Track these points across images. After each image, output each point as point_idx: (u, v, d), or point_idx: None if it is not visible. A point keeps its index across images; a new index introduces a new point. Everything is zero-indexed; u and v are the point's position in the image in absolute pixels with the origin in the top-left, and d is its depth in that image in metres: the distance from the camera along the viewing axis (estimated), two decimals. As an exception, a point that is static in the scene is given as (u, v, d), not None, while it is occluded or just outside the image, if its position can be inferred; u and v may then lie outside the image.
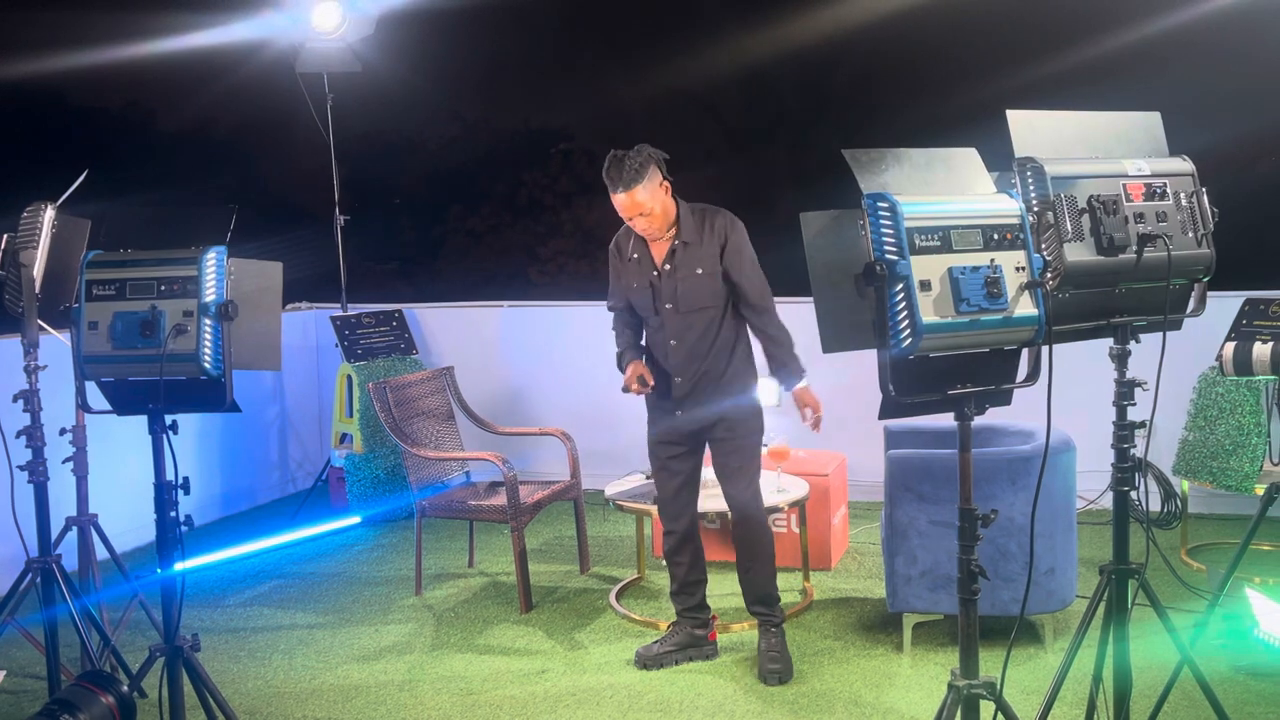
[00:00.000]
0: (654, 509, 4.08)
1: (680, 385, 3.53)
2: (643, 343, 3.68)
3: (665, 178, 3.43)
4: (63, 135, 15.82)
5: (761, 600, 3.60)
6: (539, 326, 6.37)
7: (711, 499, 3.80)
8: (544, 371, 6.22)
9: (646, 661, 3.63)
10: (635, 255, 3.56)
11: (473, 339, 6.36)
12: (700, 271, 3.46)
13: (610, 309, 3.72)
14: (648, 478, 4.45)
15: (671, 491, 3.66)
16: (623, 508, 4.19)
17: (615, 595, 4.36)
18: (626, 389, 3.55)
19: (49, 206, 3.18)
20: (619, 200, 3.38)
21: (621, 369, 3.61)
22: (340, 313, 6.17)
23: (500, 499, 4.34)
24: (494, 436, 4.92)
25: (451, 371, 5.04)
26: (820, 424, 3.61)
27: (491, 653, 3.83)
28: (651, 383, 3.53)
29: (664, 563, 4.72)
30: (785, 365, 3.52)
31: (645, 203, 3.36)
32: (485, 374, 6.15)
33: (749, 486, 3.56)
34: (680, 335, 3.50)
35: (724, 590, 4.16)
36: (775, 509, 4.17)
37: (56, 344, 3.24)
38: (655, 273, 3.51)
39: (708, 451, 3.65)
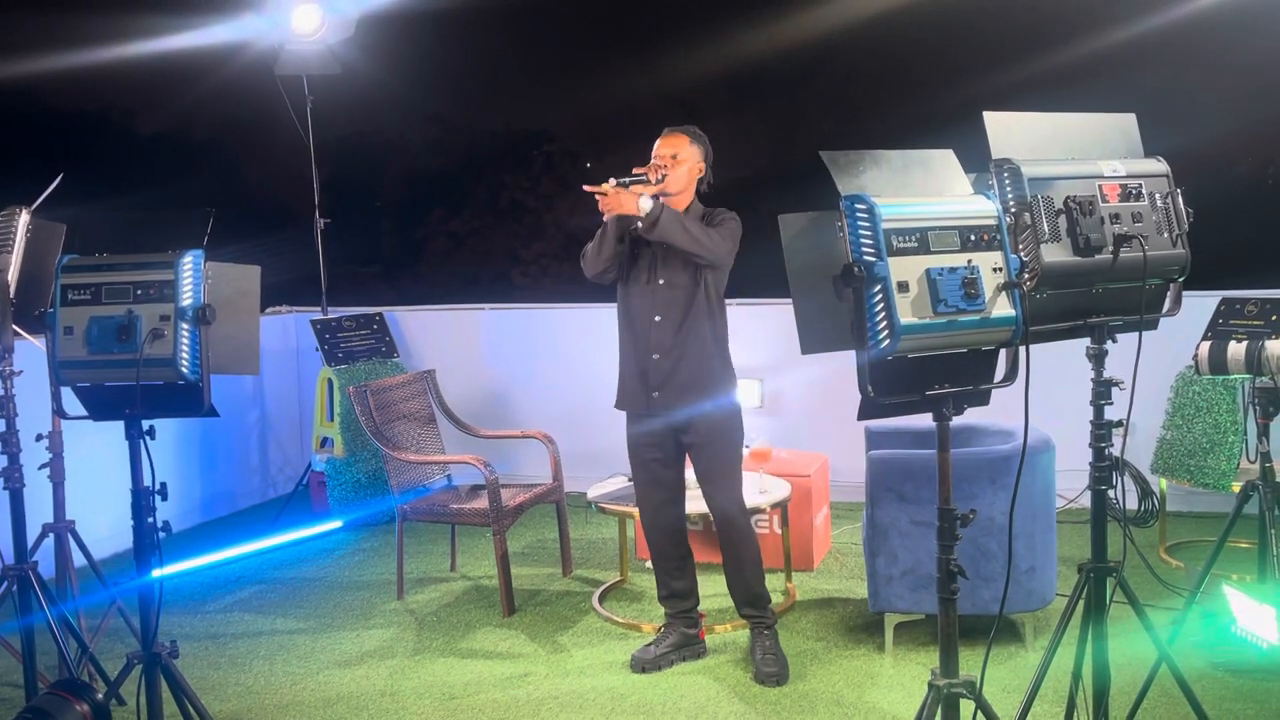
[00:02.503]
0: (636, 511, 4.07)
1: (662, 363, 3.51)
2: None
3: (706, 171, 3.55)
4: (39, 138, 15.69)
5: (751, 602, 3.60)
6: (521, 329, 6.36)
7: (693, 500, 3.80)
8: (526, 374, 6.21)
9: (645, 665, 3.61)
10: None
11: (454, 342, 6.35)
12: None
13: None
14: (629, 480, 4.45)
15: (652, 497, 3.65)
16: (605, 510, 4.18)
17: (598, 598, 4.35)
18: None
19: (24, 210, 3.15)
20: (660, 139, 3.52)
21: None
22: (321, 316, 6.14)
23: (482, 502, 4.32)
24: (476, 440, 4.90)
25: (433, 375, 5.02)
26: (605, 202, 3.35)
27: (474, 657, 3.82)
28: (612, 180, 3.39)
29: (648, 564, 4.73)
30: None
31: (675, 148, 3.49)
32: (467, 377, 6.13)
33: (731, 491, 3.56)
34: (665, 312, 3.51)
35: (708, 591, 4.16)
36: (758, 510, 4.17)
37: (32, 349, 3.21)
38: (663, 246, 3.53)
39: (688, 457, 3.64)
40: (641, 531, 4.78)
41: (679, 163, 3.48)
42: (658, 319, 3.52)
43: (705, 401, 3.52)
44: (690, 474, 3.69)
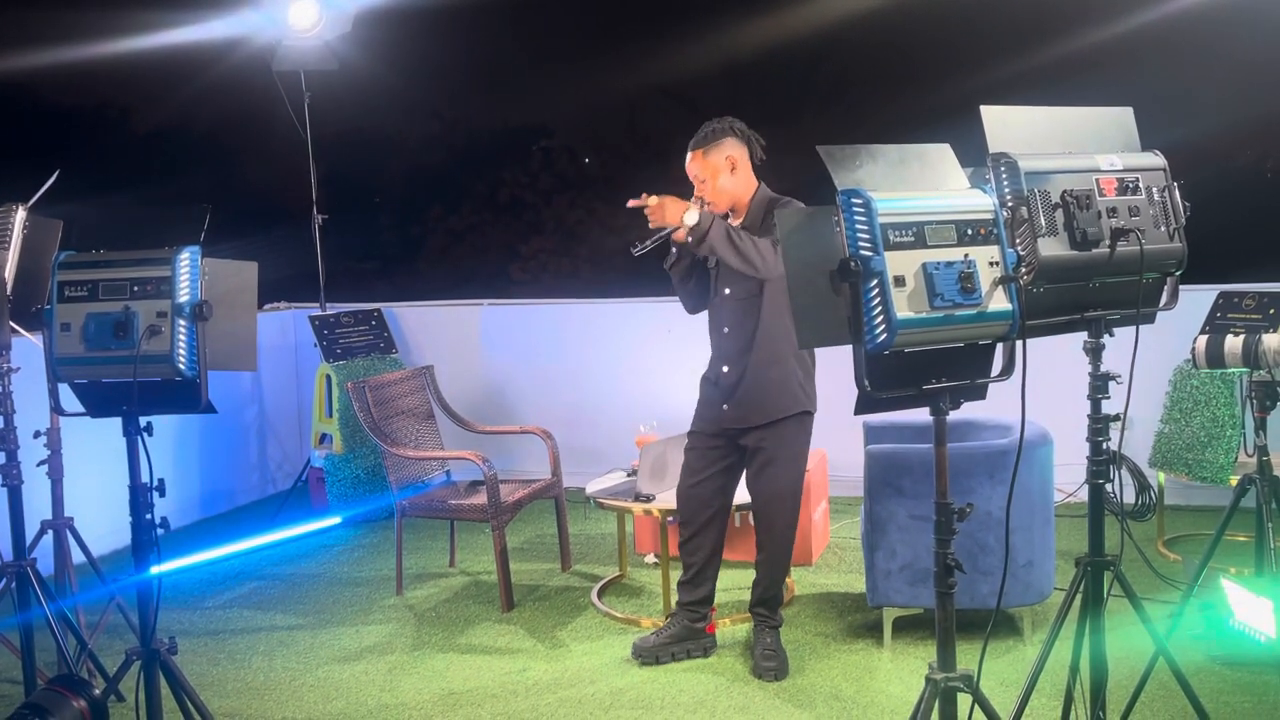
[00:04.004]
0: (634, 506, 4.07)
1: (729, 375, 3.48)
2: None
3: (752, 159, 3.44)
4: (35, 134, 15.66)
5: (765, 601, 3.59)
6: (519, 325, 6.36)
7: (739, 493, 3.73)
8: (524, 370, 6.21)
9: (643, 653, 3.61)
10: None
11: (452, 338, 6.35)
12: None
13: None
14: (629, 475, 4.45)
15: (697, 483, 3.58)
16: (604, 505, 4.18)
17: (597, 593, 4.36)
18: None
19: (20, 208, 3.15)
20: (688, 162, 3.43)
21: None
22: (319, 312, 6.14)
23: (481, 498, 4.33)
24: (474, 435, 4.91)
25: (431, 370, 5.02)
26: (651, 212, 3.26)
27: (473, 652, 3.83)
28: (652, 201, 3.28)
29: (647, 559, 4.74)
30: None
31: (699, 169, 3.40)
32: (465, 373, 6.14)
33: (787, 486, 3.51)
34: (733, 323, 3.46)
35: (721, 584, 4.15)
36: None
37: (29, 346, 3.20)
38: None
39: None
40: (640, 528, 4.80)
41: (710, 179, 3.38)
42: (726, 330, 3.48)
43: (773, 416, 3.45)
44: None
